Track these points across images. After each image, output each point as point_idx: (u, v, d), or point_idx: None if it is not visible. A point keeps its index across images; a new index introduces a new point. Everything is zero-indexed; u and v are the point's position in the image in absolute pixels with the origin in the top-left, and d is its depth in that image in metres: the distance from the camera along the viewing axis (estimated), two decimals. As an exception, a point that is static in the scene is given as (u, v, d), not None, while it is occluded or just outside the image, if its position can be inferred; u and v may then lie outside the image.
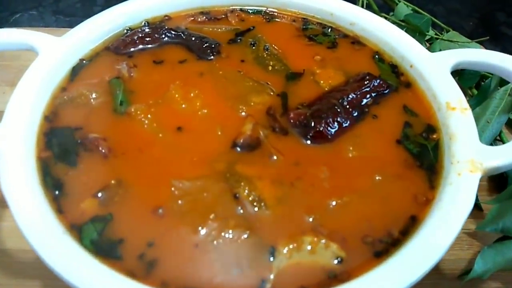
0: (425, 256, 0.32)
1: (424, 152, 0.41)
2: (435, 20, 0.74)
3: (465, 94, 0.66)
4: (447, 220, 0.35)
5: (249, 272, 0.33)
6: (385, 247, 0.35)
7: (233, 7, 0.56)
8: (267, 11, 0.56)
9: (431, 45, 0.71)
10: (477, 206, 0.54)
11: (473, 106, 0.59)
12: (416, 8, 0.76)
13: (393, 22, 0.74)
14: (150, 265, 0.33)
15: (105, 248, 0.33)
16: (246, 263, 0.33)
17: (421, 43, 0.70)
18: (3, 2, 0.94)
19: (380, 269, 0.32)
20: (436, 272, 0.49)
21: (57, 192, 0.37)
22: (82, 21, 0.87)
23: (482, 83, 0.63)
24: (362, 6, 0.78)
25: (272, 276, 0.33)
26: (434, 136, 0.42)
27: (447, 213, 0.35)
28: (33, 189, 0.36)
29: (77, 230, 0.34)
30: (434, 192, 0.38)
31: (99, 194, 0.36)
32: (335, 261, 0.34)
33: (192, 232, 0.35)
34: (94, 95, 0.44)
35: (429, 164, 0.40)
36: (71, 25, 0.87)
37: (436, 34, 0.72)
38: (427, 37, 0.70)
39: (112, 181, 0.37)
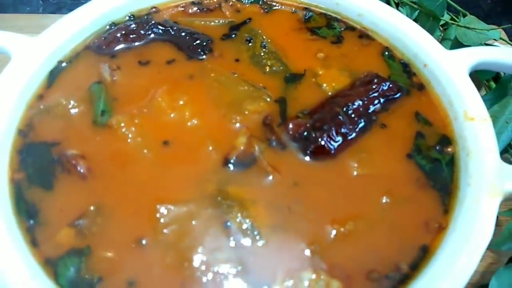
0: (437, 299, 0.29)
1: (437, 169, 0.37)
2: (451, 2, 0.68)
3: (482, 87, 0.61)
4: (462, 253, 0.31)
5: (240, 315, 0.30)
6: (392, 284, 0.31)
7: (228, -4, 0.51)
8: (265, 0, 0.51)
9: (445, 30, 0.65)
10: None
11: (490, 101, 0.54)
12: (431, -12, 0.70)
13: (405, 4, 0.68)
14: (132, 308, 0.30)
15: (82, 288, 0.30)
16: (237, 304, 0.30)
17: (435, 29, 0.64)
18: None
19: (386, 313, 0.29)
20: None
21: (31, 221, 0.33)
22: (70, 3, 0.81)
23: (502, 75, 0.58)
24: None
25: (266, 321, 0.30)
26: (449, 149, 0.38)
27: (462, 245, 0.31)
28: (5, 218, 0.32)
29: (52, 266, 0.31)
30: (447, 217, 0.34)
31: (77, 223, 0.33)
32: (337, 302, 0.30)
33: (178, 267, 0.31)
34: (72, 104, 0.40)
35: (443, 184, 0.36)
36: (60, 8, 0.82)
37: (451, 18, 0.66)
38: (442, 22, 0.64)
39: (91, 207, 0.34)
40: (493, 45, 0.63)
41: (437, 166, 0.37)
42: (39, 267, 0.31)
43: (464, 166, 0.36)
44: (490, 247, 0.46)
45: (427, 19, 0.65)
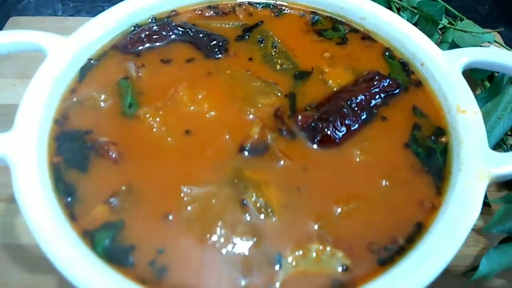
0: (429, 267, 0.33)
1: (432, 157, 0.41)
2: (449, 7, 0.72)
3: (477, 87, 0.65)
4: (452, 228, 0.35)
5: (256, 280, 0.34)
6: (390, 255, 0.35)
7: (241, 1, 0.55)
8: (276, 4, 0.55)
9: (444, 33, 0.69)
10: (485, 203, 0.54)
11: (484, 100, 0.58)
12: (430, -6, 0.74)
13: (406, 9, 0.73)
14: (161, 272, 0.34)
15: (117, 255, 0.35)
16: (253, 271, 0.34)
17: (434, 32, 0.69)
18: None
19: (384, 279, 0.33)
20: (443, 271, 0.50)
21: (69, 199, 0.38)
22: (88, 7, 0.86)
23: (496, 74, 0.62)
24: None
25: (278, 284, 0.34)
26: (443, 139, 0.42)
27: (453, 221, 0.35)
28: (46, 196, 0.37)
29: (90, 237, 0.35)
30: (440, 198, 0.38)
31: (110, 200, 0.37)
32: (340, 269, 0.34)
33: (200, 239, 0.35)
34: (103, 97, 0.45)
35: (437, 169, 0.40)
36: (79, 11, 0.86)
37: (449, 22, 0.70)
38: (440, 26, 0.69)
39: (123, 187, 0.38)
40: (495, 47, 0.67)
41: (431, 154, 0.41)
42: (78, 238, 0.35)
43: (456, 154, 0.40)
44: (482, 232, 0.50)
45: (426, 23, 0.69)
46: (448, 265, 0.50)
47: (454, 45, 0.65)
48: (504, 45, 0.73)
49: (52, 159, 0.40)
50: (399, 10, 0.74)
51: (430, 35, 0.68)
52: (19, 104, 0.42)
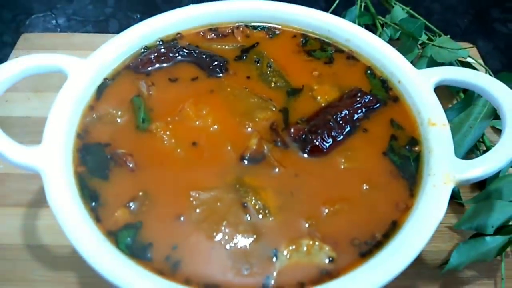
0: (401, 257, 0.39)
1: (406, 164, 0.47)
2: (429, 24, 0.79)
3: (454, 98, 0.72)
4: (422, 225, 0.41)
5: (256, 270, 0.40)
6: (369, 248, 0.41)
7: (239, 24, 0.61)
8: (270, 27, 0.61)
9: (423, 48, 0.76)
10: (459, 203, 0.60)
11: (459, 110, 0.65)
12: (411, 12, 0.81)
13: (389, 25, 0.79)
14: (175, 265, 0.40)
15: (137, 251, 0.40)
16: (253, 262, 0.40)
17: (414, 47, 0.75)
18: (19, 4, 0.99)
19: (364, 268, 0.39)
20: (419, 262, 0.56)
21: (94, 203, 0.43)
22: (93, 23, 0.92)
23: (469, 88, 0.69)
24: (360, 8, 0.83)
25: (275, 274, 0.40)
26: (416, 148, 0.49)
27: (422, 219, 0.42)
28: (74, 201, 0.42)
29: (114, 236, 0.41)
30: (413, 200, 0.44)
31: (130, 204, 0.43)
32: (327, 261, 0.41)
33: (208, 237, 0.42)
34: (119, 113, 0.51)
35: (410, 175, 0.46)
36: (85, 26, 0.92)
37: (428, 38, 0.77)
38: (420, 41, 0.75)
39: (140, 193, 0.44)
40: (466, 61, 0.74)
41: (406, 161, 0.48)
42: (103, 237, 0.41)
43: (427, 161, 0.46)
44: (454, 227, 0.56)
45: (407, 39, 0.76)
46: (426, 259, 0.57)
47: (432, 60, 0.72)
48: (479, 58, 0.80)
49: (77, 168, 0.46)
50: (383, 26, 0.81)
51: (410, 50, 0.75)
52: (46, 118, 0.47)
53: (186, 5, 0.61)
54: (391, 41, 0.81)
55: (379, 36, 0.78)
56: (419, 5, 1.00)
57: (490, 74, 0.71)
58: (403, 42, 0.77)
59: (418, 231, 0.41)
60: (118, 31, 0.84)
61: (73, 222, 0.40)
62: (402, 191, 0.45)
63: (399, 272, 0.39)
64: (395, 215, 0.44)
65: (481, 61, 0.81)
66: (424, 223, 0.41)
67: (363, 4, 0.84)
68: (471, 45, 0.73)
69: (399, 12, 0.80)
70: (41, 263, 0.55)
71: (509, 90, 0.48)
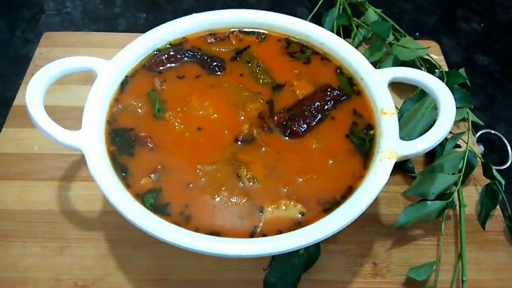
0: (352, 212, 0.53)
1: (363, 144, 0.60)
2: (396, 26, 0.92)
3: (414, 90, 0.85)
4: (369, 189, 0.55)
5: (247, 222, 0.54)
6: (330, 206, 0.55)
7: (233, 29, 0.74)
8: (259, 32, 0.74)
9: (391, 47, 0.89)
10: (412, 176, 0.74)
11: (415, 100, 0.78)
12: (382, 15, 0.94)
13: (362, 26, 0.92)
14: (187, 218, 0.54)
15: (159, 209, 0.54)
16: (245, 216, 0.54)
17: (383, 46, 0.88)
18: (35, 2, 1.10)
19: (326, 219, 0.53)
20: (378, 223, 0.70)
21: (124, 174, 0.57)
22: (105, 22, 1.05)
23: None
24: (339, 10, 0.96)
25: (261, 224, 0.54)
26: (371, 132, 0.62)
27: (370, 185, 0.55)
28: (109, 172, 0.56)
29: (141, 198, 0.55)
30: (366, 171, 0.58)
31: (151, 175, 0.57)
32: (299, 215, 0.55)
33: (211, 198, 0.55)
34: (139, 104, 0.64)
35: (365, 152, 0.60)
36: (97, 26, 1.04)
37: (395, 38, 0.90)
38: (388, 41, 0.88)
39: (159, 166, 0.58)
40: (428, 58, 0.87)
41: (363, 142, 0.60)
42: (133, 199, 0.55)
43: (378, 142, 0.58)
44: (402, 194, 0.70)
45: (377, 39, 0.89)
46: (382, 220, 0.71)
47: (396, 58, 0.85)
48: (440, 54, 0.94)
49: (109, 148, 0.59)
50: (358, 27, 0.94)
51: (379, 49, 0.88)
52: (84, 107, 0.59)
53: (187, 5, 0.73)
54: (364, 40, 0.95)
55: (354, 36, 0.92)
56: (393, 5, 1.13)
57: (443, 71, 0.84)
58: (373, 42, 0.90)
59: (367, 194, 0.54)
60: (127, 29, 0.98)
61: (110, 187, 0.54)
62: (357, 164, 0.59)
63: (350, 222, 0.53)
64: (351, 182, 0.56)
65: (441, 57, 0.94)
66: (372, 187, 0.55)
67: (341, 7, 0.97)
68: (429, 46, 0.85)
69: (372, 14, 0.93)
70: (74, 225, 0.67)
71: (443, 86, 0.61)
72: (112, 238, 0.66)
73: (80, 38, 0.93)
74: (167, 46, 0.71)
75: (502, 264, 0.66)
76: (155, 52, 0.69)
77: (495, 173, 0.69)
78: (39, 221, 0.68)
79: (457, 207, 0.67)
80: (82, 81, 0.84)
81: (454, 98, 0.60)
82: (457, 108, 0.59)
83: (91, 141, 0.57)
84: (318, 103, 0.63)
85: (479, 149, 0.80)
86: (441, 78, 0.78)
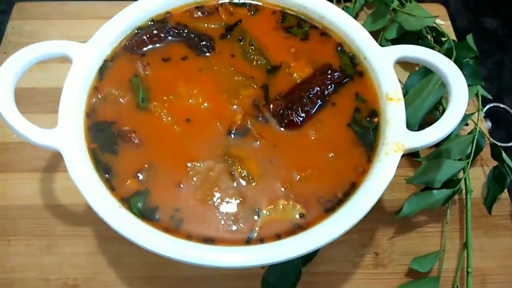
0: (357, 212, 0.50)
1: (366, 133, 0.56)
2: (401, -11, 0.84)
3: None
4: (374, 186, 0.51)
5: (242, 226, 0.50)
6: (332, 205, 0.51)
7: (222, 1, 0.67)
8: (252, 4, 0.67)
9: (395, 14, 0.82)
10: (418, 162, 0.70)
11: (421, 75, 0.72)
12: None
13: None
14: (178, 224, 0.50)
15: (147, 213, 0.50)
16: (240, 219, 0.50)
17: (387, 13, 0.81)
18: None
19: (328, 221, 0.50)
20: (380, 209, 0.67)
21: (107, 175, 0.52)
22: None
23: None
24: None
25: (257, 228, 0.50)
26: (375, 119, 0.57)
27: (375, 182, 0.52)
28: (91, 174, 0.51)
29: (127, 202, 0.51)
30: (369, 165, 0.54)
31: (138, 175, 0.52)
32: (298, 216, 0.51)
33: (204, 200, 0.51)
34: (121, 93, 0.58)
35: (369, 143, 0.55)
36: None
37: (400, 3, 0.83)
38: (392, 7, 0.81)
39: (145, 165, 0.53)
40: (435, 26, 0.80)
41: (366, 131, 0.56)
42: (118, 203, 0.50)
43: (383, 131, 0.55)
44: (407, 182, 0.67)
45: (380, 4, 0.81)
46: (385, 207, 0.68)
47: (400, 27, 0.78)
48: (447, 19, 0.87)
49: (90, 145, 0.54)
50: (359, -7, 0.86)
51: (383, 15, 0.81)
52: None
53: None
54: (366, 4, 0.87)
55: (355, 0, 0.84)
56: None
57: (453, 39, 0.78)
58: (377, 7, 0.82)
59: (371, 191, 0.51)
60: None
61: (93, 192, 0.50)
62: (361, 157, 0.55)
63: (353, 224, 0.49)
64: (354, 177, 0.53)
65: (448, 22, 0.87)
66: (376, 184, 0.51)
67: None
68: (437, 14, 0.78)
69: (375, -24, 0.85)
70: (61, 220, 0.64)
71: (455, 68, 0.55)
72: (101, 234, 0.63)
73: (55, 9, 0.85)
74: (149, 23, 0.63)
75: (507, 250, 0.64)
76: (136, 31, 0.62)
77: (504, 156, 0.65)
78: (23, 217, 0.64)
79: (463, 191, 0.63)
80: (62, 59, 0.76)
81: (464, 74, 0.55)
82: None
83: (68, 139, 0.52)
84: (318, 88, 0.58)
85: (486, 125, 0.76)
86: (450, 50, 0.71)
